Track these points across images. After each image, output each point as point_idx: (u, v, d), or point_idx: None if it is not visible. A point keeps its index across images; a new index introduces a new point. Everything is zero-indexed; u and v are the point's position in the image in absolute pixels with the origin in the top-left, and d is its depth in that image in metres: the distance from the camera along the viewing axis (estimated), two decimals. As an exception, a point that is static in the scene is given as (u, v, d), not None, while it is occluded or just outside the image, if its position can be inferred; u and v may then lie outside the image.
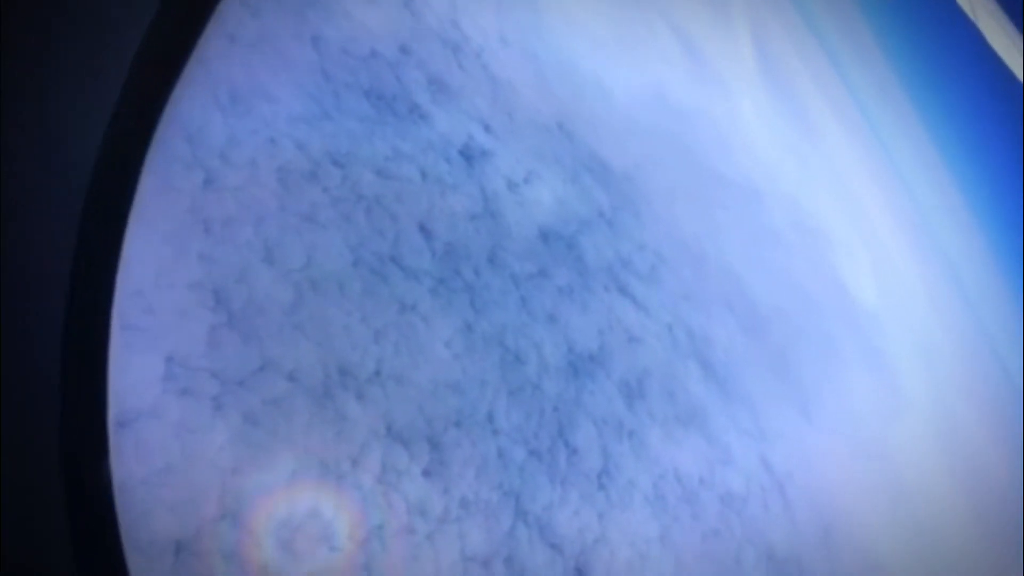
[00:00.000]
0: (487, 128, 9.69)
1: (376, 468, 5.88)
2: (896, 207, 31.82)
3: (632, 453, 8.87)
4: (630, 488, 8.48)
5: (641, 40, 15.06)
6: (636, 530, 8.29)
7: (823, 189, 21.90)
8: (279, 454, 5.32)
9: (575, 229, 10.36)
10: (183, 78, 5.61)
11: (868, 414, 13.82)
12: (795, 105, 24.44)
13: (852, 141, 31.13)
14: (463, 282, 7.85)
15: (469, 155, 9.13)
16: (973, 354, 26.18)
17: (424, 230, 7.76)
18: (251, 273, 5.81)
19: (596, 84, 12.81)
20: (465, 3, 10.71)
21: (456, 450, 6.65)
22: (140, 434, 4.59)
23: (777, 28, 27.42)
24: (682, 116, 14.75)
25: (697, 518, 9.26)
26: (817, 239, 17.78)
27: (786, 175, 18.54)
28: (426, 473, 6.28)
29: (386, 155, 7.82)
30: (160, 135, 5.64)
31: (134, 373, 4.76)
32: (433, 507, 6.26)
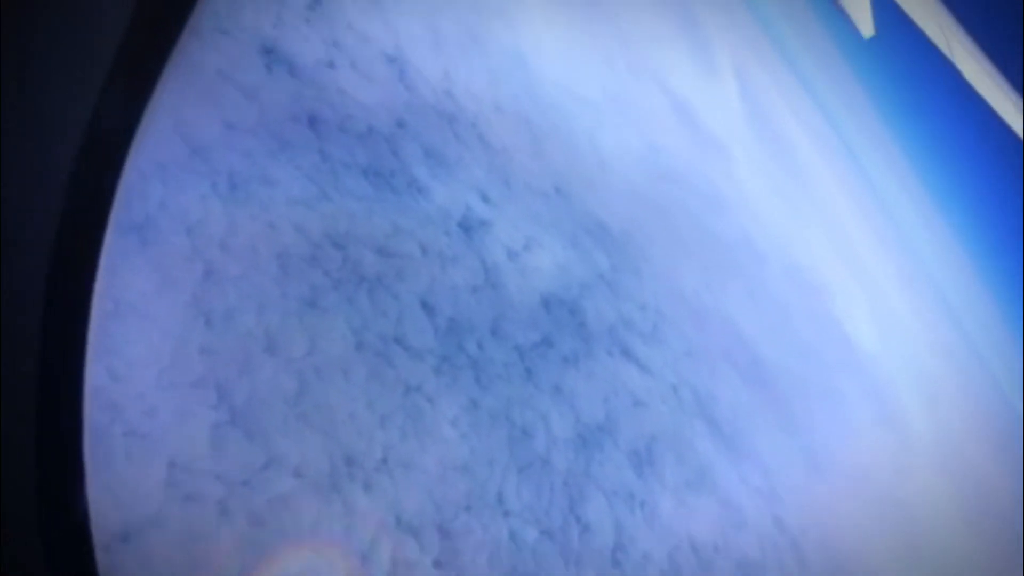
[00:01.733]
0: (485, 197, 9.69)
1: (387, 563, 5.69)
2: (887, 245, 32.00)
3: (645, 524, 8.66)
4: (644, 563, 8.25)
5: (633, 99, 15.24)
6: (654, 606, 8.06)
7: (816, 234, 22.01)
8: (288, 556, 5.14)
9: (577, 294, 10.30)
10: (183, 172, 5.56)
11: (876, 462, 13.63)
12: (782, 149, 24.72)
13: (838, 179, 31.43)
14: (467, 357, 7.74)
15: (468, 226, 9.11)
16: (975, 391, 26.06)
17: (426, 307, 7.68)
18: (254, 364, 5.69)
19: (590, 145, 12.91)
20: (458, 73, 10.83)
21: (467, 536, 6.46)
22: (144, 547, 4.42)
23: (760, 73, 27.91)
24: (676, 172, 14.86)
25: (714, 588, 9.02)
26: (813, 286, 17.80)
27: (779, 222, 18.64)
28: (437, 564, 6.09)
29: (386, 232, 7.78)
30: (157, 229, 5.57)
31: (136, 483, 4.61)
32: (445, 599, 6.05)
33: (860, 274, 22.56)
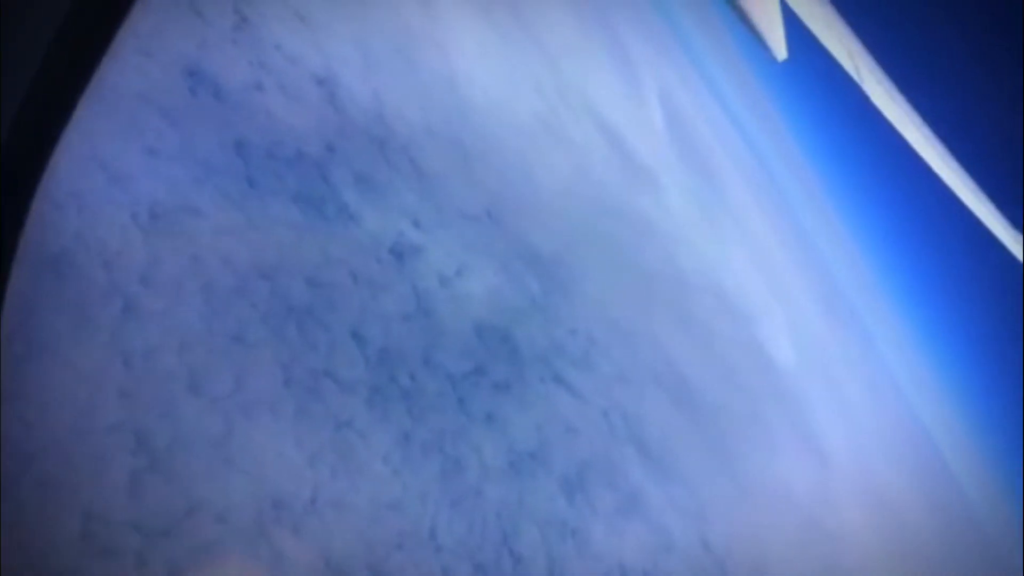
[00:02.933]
0: (416, 223, 9.59)
1: (316, 610, 5.51)
2: (803, 265, 33.19)
3: (576, 553, 8.66)
4: (577, 592, 8.26)
5: (562, 124, 15.40)
6: (586, 636, 8.06)
7: (740, 258, 22.66)
8: (210, 609, 4.91)
9: (509, 320, 10.28)
10: (101, 201, 5.31)
11: (799, 486, 14.05)
12: (704, 171, 25.38)
13: (757, 200, 32.48)
14: (399, 389, 7.61)
15: (400, 252, 8.99)
16: (890, 411, 27.23)
17: (357, 337, 7.53)
18: (176, 406, 5.45)
19: (521, 170, 12.96)
20: (389, 95, 10.72)
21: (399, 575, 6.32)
22: (54, 609, 4.15)
23: (683, 95, 28.67)
24: (605, 198, 15.08)
25: (644, 614, 9.09)
26: (739, 312, 18.28)
27: (705, 248, 19.11)
28: (369, 607, 5.93)
29: (315, 261, 7.60)
30: (73, 263, 5.29)
31: (49, 537, 4.33)
32: (377, 642, 5.90)
33: (781, 296, 23.31)
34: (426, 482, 7.18)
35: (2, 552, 3.99)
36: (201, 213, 6.61)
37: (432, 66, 12.40)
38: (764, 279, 23.55)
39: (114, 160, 6.06)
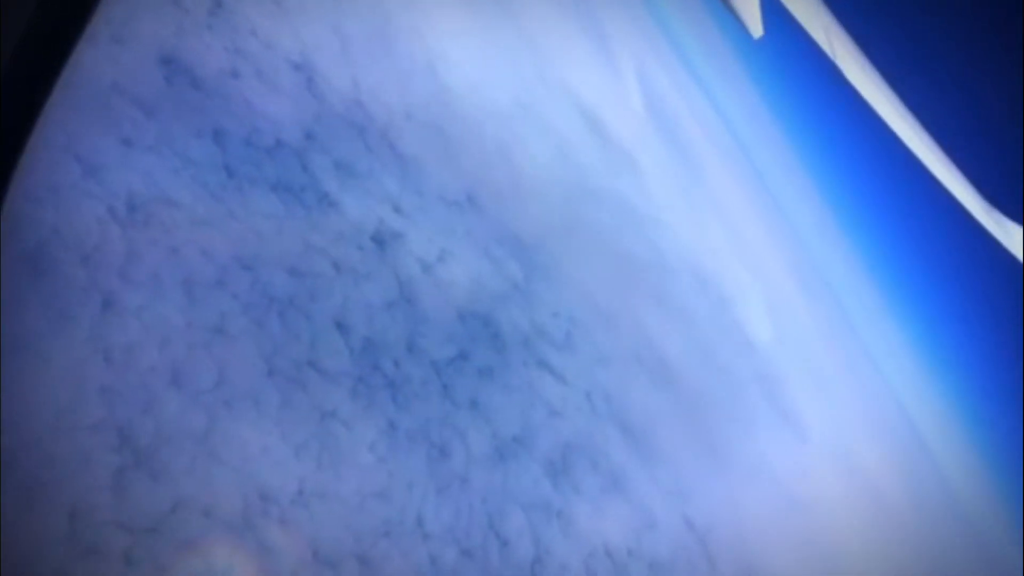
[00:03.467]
0: (397, 209, 9.54)
1: (305, 601, 5.54)
2: (779, 242, 33.45)
3: (562, 534, 8.76)
4: (562, 573, 8.36)
5: (542, 108, 15.33)
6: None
7: (717, 237, 22.80)
8: (199, 604, 4.93)
9: (491, 305, 10.29)
10: (77, 194, 5.24)
11: (778, 463, 14.27)
12: (682, 151, 25.43)
13: (735, 179, 32.63)
14: (384, 377, 7.62)
15: (381, 240, 8.95)
16: (866, 385, 27.65)
17: (341, 327, 7.50)
18: (158, 401, 5.42)
19: (501, 154, 12.91)
20: (367, 80, 10.60)
21: (387, 564, 6.37)
22: (41, 610, 4.14)
23: (661, 75, 28.63)
24: (585, 181, 15.07)
25: (629, 593, 9.24)
26: (716, 290, 18.42)
27: (684, 230, 19.19)
28: (357, 596, 5.97)
29: (297, 251, 7.55)
30: (50, 258, 5.22)
31: (34, 537, 4.31)
32: (366, 631, 5.95)
33: (758, 274, 23.50)
34: (412, 471, 7.21)
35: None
36: (179, 204, 6.54)
37: (410, 50, 12.27)
38: (741, 257, 23.72)
39: (90, 152, 5.96)
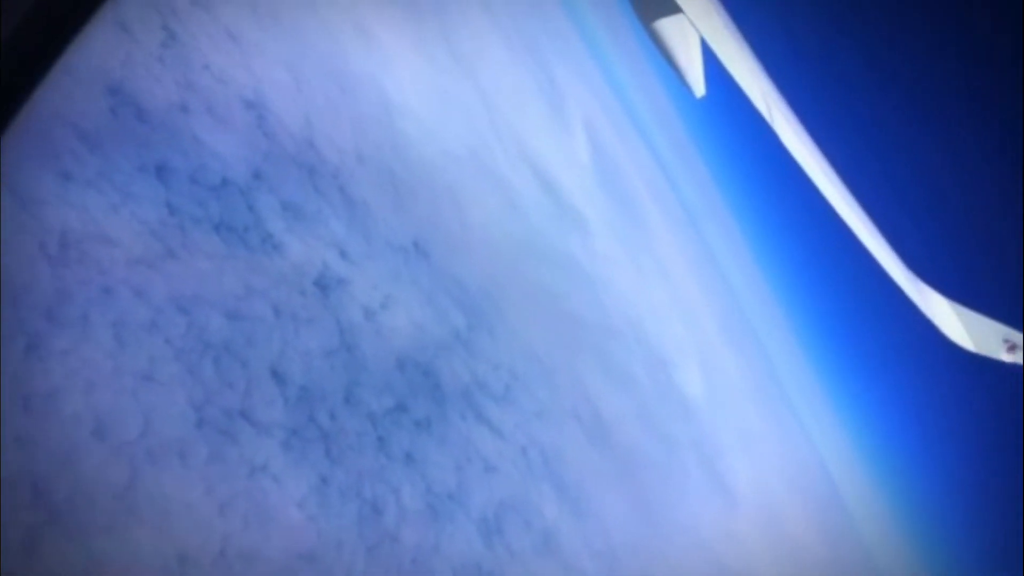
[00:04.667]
0: (343, 254, 9.39)
1: (220, 672, 5.24)
2: (714, 297, 34.22)
3: (491, 597, 8.59)
4: (490, 638, 8.17)
5: (493, 158, 15.45)
6: None
7: (656, 291, 23.19)
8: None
9: (432, 354, 10.16)
10: (8, 230, 4.98)
11: (707, 525, 14.36)
12: (627, 207, 25.93)
13: (670, 227, 33.33)
14: (318, 430, 7.39)
15: (325, 284, 8.77)
16: (793, 445, 28.26)
17: (276, 375, 7.27)
18: (78, 453, 5.12)
19: (451, 202, 12.91)
20: (321, 120, 10.50)
21: (310, 630, 6.10)
22: None
23: (608, 128, 29.29)
24: (533, 235, 15.18)
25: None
26: (653, 347, 18.66)
27: (626, 291, 19.47)
28: (277, 665, 5.69)
29: (236, 294, 7.32)
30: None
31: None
32: None
33: (694, 331, 23.94)
34: (342, 529, 6.97)
35: None
36: (115, 242, 6.28)
37: (366, 91, 12.24)
38: (679, 313, 24.15)
39: (26, 185, 5.69)
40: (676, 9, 6.75)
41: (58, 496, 4.80)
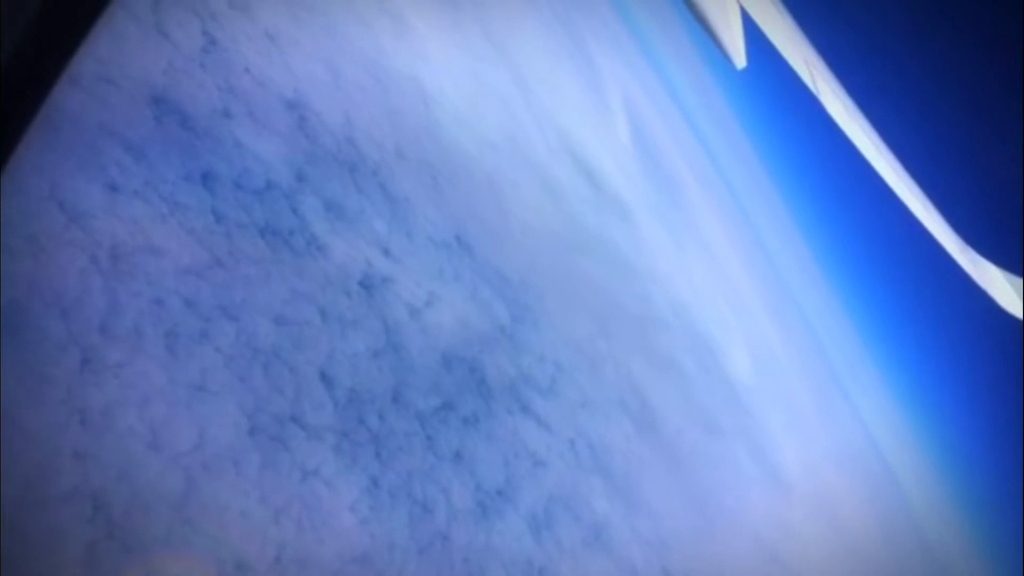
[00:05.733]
0: (386, 252, 9.38)
1: None
2: (762, 277, 33.64)
3: (543, 593, 8.58)
4: (543, 633, 8.17)
5: (531, 143, 15.29)
6: None
7: (699, 271, 22.85)
8: None
9: (477, 350, 10.13)
10: (58, 244, 5.02)
11: (759, 515, 14.17)
12: (668, 187, 25.54)
13: (714, 205, 32.81)
14: (368, 432, 7.41)
15: (369, 284, 8.77)
16: (841, 422, 27.77)
17: (325, 378, 7.30)
18: (135, 466, 5.19)
19: (491, 191, 12.82)
20: (359, 116, 10.47)
21: (365, 633, 6.14)
22: None
23: (646, 102, 28.81)
24: (571, 216, 15.03)
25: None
26: (697, 329, 18.42)
27: (665, 263, 19.21)
28: (334, 670, 5.74)
29: (283, 298, 7.35)
30: (27, 314, 4.99)
31: (-5, 623, 4.06)
32: None
33: (740, 313, 23.56)
34: (394, 530, 7.00)
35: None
36: (164, 252, 6.33)
37: (403, 84, 12.17)
38: (724, 295, 23.78)
39: (74, 199, 5.75)
40: None
41: (116, 510, 4.87)
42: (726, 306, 23.22)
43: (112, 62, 6.72)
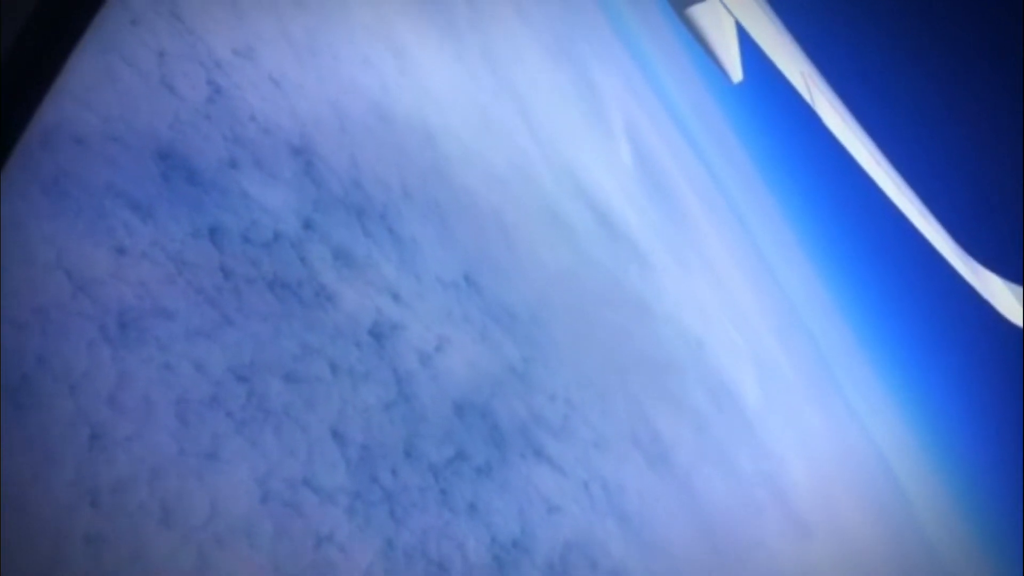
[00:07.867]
0: (395, 297, 9.23)
1: None
2: (766, 295, 33.47)
3: (561, 647, 8.36)
4: None
5: (537, 173, 15.19)
6: None
7: (704, 293, 22.69)
8: None
9: (488, 393, 9.96)
10: (66, 315, 4.86)
11: (778, 558, 13.92)
12: (672, 211, 25.43)
13: (716, 224, 32.63)
14: (381, 490, 7.23)
15: (379, 333, 8.62)
16: (849, 440, 27.48)
17: (337, 436, 7.13)
18: (146, 545, 5.01)
19: (498, 225, 12.69)
20: (366, 158, 10.36)
21: None
22: None
23: (646, 122, 28.75)
24: (578, 247, 14.90)
25: None
26: (703, 353, 18.22)
27: (671, 286, 19.05)
28: None
29: (293, 354, 7.19)
30: (35, 391, 4.83)
31: None
32: None
33: (746, 335, 23.37)
34: (410, 594, 6.81)
35: None
36: (173, 314, 6.18)
37: (408, 121, 12.07)
38: (731, 319, 23.60)
39: (81, 265, 5.61)
40: None
41: (129, 595, 4.69)
42: (734, 329, 23.03)
43: (119, 119, 6.60)
